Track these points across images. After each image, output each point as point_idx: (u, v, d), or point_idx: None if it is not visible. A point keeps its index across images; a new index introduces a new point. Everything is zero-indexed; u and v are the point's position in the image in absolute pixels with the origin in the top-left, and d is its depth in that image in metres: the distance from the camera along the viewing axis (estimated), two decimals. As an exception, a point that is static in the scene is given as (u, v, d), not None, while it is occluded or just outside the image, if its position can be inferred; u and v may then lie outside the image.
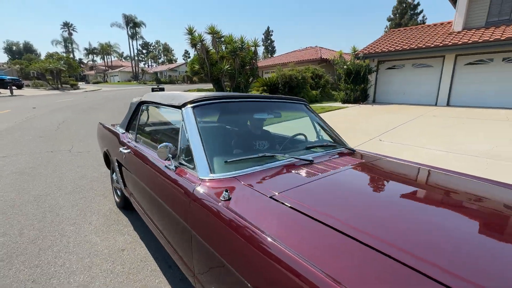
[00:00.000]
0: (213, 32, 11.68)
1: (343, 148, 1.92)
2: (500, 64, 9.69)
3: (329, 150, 1.84)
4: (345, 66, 12.75)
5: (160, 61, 78.56)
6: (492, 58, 9.85)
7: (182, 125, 1.57)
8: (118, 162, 2.47)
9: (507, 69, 9.53)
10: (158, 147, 1.46)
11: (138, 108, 2.40)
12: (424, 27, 13.53)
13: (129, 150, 2.13)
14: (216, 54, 12.41)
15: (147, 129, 2.39)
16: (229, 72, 12.23)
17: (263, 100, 2.01)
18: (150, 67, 72.76)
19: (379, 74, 13.00)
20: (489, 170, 3.74)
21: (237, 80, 12.84)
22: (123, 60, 75.06)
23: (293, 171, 1.39)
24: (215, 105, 1.73)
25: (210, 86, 23.66)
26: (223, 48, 13.13)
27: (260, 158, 1.47)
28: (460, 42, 9.76)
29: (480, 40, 9.33)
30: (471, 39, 9.70)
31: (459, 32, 10.88)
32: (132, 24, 50.69)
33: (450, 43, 10.01)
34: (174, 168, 1.47)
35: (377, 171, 1.59)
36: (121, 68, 58.76)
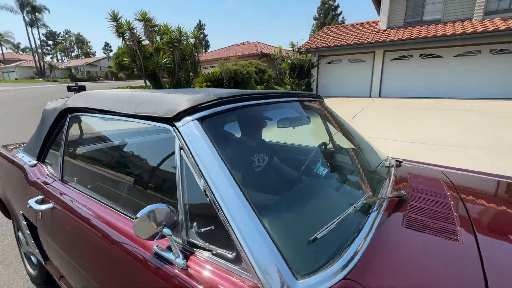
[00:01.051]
0: (144, 19, 10.01)
1: (389, 161, 1.43)
2: (419, 59, 11.16)
3: (381, 166, 1.30)
4: (289, 61, 12.81)
5: (73, 54, 67.02)
6: (412, 54, 11.26)
7: (181, 157, 0.81)
8: (28, 220, 1.42)
9: (425, 64, 11.05)
10: (138, 215, 0.67)
11: (61, 119, 1.41)
12: (354, 25, 14.68)
13: (51, 205, 1.17)
14: (150, 45, 10.73)
15: (87, 157, 1.42)
16: (167, 66, 10.77)
17: (281, 99, 1.34)
18: (60, 61, 61.25)
19: (320, 68, 13.55)
20: (457, 159, 3.93)
21: (177, 75, 11.46)
22: (21, 52, 60.93)
23: (415, 239, 0.79)
24: (234, 112, 0.97)
25: (141, 82, 20.99)
26: (158, 39, 11.50)
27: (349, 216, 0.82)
28: (388, 39, 10.81)
29: (403, 38, 10.51)
30: (396, 36, 10.85)
31: (384, 31, 12.10)
32: (30, 9, 41.19)
33: (380, 40, 11.00)
34: (182, 262, 0.70)
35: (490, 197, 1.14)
36: (18, 63, 47.40)
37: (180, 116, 0.83)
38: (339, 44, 12.02)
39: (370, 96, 12.36)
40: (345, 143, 1.38)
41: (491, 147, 4.37)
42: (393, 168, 1.31)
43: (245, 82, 14.17)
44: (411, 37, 10.34)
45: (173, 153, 0.83)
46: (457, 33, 9.53)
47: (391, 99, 11.13)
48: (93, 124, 1.40)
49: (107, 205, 1.02)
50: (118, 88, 13.12)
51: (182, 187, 0.77)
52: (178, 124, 0.83)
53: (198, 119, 0.82)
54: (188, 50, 11.68)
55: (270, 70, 17.03)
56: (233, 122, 1.05)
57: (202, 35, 59.60)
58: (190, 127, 0.81)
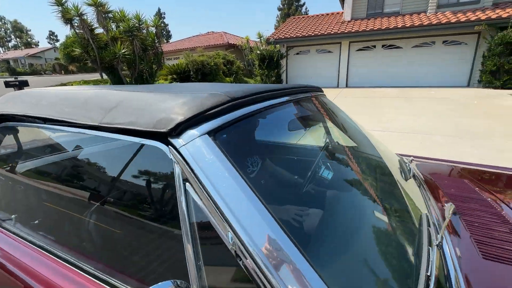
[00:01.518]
0: (96, 3, 8.88)
1: (408, 163, 1.28)
2: (381, 50, 11.66)
3: (407, 172, 1.15)
4: (258, 52, 12.54)
5: (10, 44, 58.72)
6: (375, 45, 11.72)
7: (187, 193, 0.56)
8: None
9: (387, 54, 11.58)
10: None
11: None
12: (319, 16, 14.82)
13: None
14: (105, 34, 9.61)
15: (29, 181, 1.04)
16: (127, 57, 9.79)
17: (295, 95, 1.10)
18: (-6, 52, 53.28)
19: (289, 59, 13.51)
20: (429, 146, 4.09)
21: (138, 67, 10.51)
22: None
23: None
24: (254, 118, 0.72)
25: (96, 76, 19.05)
26: (113, 27, 10.37)
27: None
28: (353, 30, 11.09)
29: (367, 29, 10.85)
30: (360, 27, 11.17)
31: (349, 22, 12.39)
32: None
33: (346, 31, 11.24)
34: None
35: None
36: None
37: (180, 129, 0.56)
38: (307, 34, 12.04)
39: (338, 86, 12.70)
40: (363, 147, 1.18)
41: (455, 133, 4.66)
42: (415, 172, 1.17)
43: (213, 74, 13.62)
44: (374, 28, 10.72)
45: (167, 176, 0.56)
46: (415, 25, 10.09)
47: (358, 89, 11.54)
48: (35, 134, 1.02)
49: (67, 262, 0.70)
50: (70, 84, 11.69)
51: (192, 239, 0.51)
52: (177, 142, 0.56)
53: (209, 133, 0.55)
54: (149, 40, 10.75)
55: (239, 62, 16.60)
56: (249, 133, 0.78)
57: (162, 24, 56.22)
58: (197, 146, 0.55)
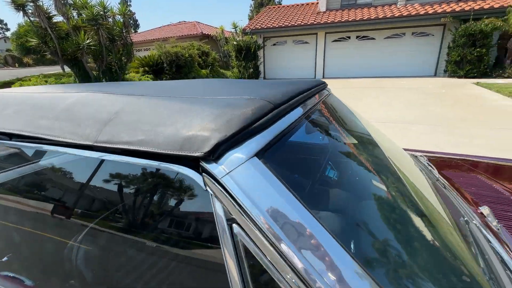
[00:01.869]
0: (52, -12, 7.97)
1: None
2: (356, 41, 11.91)
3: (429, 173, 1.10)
4: (234, 42, 12.20)
5: (-51, 34, 51.74)
6: (349, 36, 11.93)
7: (235, 237, 0.42)
8: None
9: (361, 45, 11.85)
10: None
11: None
12: (295, 6, 14.72)
13: None
14: (66, 22, 8.69)
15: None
16: (92, 49, 8.98)
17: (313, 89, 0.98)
18: None
19: (266, 50, 13.34)
20: (409, 135, 4.24)
21: (106, 59, 9.71)
22: None
23: None
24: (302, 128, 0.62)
25: (56, 68, 17.38)
26: (75, 15, 9.43)
27: None
28: (329, 21, 11.17)
29: (342, 20, 10.98)
30: (335, 18, 11.27)
31: (324, 12, 12.45)
32: None
33: (322, 21, 11.29)
34: None
35: None
36: None
37: (219, 152, 0.43)
38: (283, 25, 11.92)
39: (315, 77, 12.82)
40: (387, 151, 1.08)
41: (431, 122, 4.89)
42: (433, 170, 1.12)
43: (188, 66, 13.07)
44: (349, 20, 10.88)
45: (199, 213, 0.43)
46: (387, 16, 10.39)
47: (335, 79, 11.74)
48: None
49: None
50: (24, 79, 10.52)
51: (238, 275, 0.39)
52: (217, 169, 0.43)
53: (258, 154, 0.43)
54: (117, 29, 9.96)
55: (214, 53, 16.09)
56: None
57: (129, 13, 52.68)
58: (247, 174, 0.42)
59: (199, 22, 21.33)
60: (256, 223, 0.39)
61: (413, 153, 1.40)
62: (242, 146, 0.44)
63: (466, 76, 9.57)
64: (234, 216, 0.41)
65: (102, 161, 0.59)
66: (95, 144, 0.50)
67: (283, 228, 0.38)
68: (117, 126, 0.51)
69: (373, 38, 11.62)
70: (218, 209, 0.43)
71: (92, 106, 0.59)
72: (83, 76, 9.71)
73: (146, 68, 12.17)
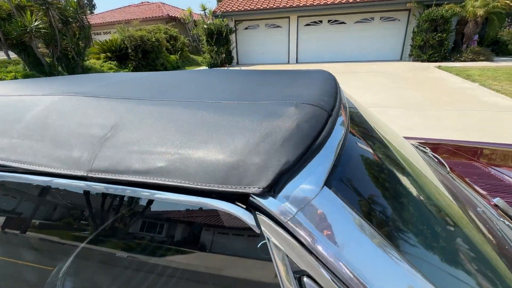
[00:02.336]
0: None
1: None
2: (327, 25, 11.97)
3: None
4: (205, 26, 11.58)
5: None
6: (321, 20, 11.94)
7: None
8: None
9: (333, 30, 11.95)
10: None
11: None
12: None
13: None
14: (7, 1, 7.50)
15: None
16: (42, 32, 7.92)
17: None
18: None
19: (238, 34, 12.90)
20: (387, 119, 4.41)
21: (60, 44, 8.66)
22: None
23: None
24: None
25: (1, 55, 15.17)
26: (17, -8, 8.16)
27: None
28: (301, 4, 11.02)
29: (315, 3, 10.90)
30: (307, 2, 11.16)
31: (296, -5, 12.24)
32: None
33: (294, 5, 11.11)
34: None
35: None
36: None
37: (280, 184, 0.34)
38: (255, 7, 11.54)
39: (288, 63, 12.77)
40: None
41: (402, 105, 5.12)
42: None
43: (156, 51, 12.22)
44: (321, 3, 10.84)
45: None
46: (357, 0, 10.51)
47: (308, 64, 11.81)
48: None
49: None
50: (-39, 65, 9.04)
51: None
52: (278, 209, 0.33)
53: (327, 183, 0.35)
54: (71, 10, 8.88)
55: (183, 37, 15.22)
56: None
57: (81, -9, 47.45)
58: (321, 211, 0.32)
59: (163, 3, 19.87)
60: (338, 277, 0.30)
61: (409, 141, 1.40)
62: (307, 172, 0.34)
63: (428, 60, 10.16)
64: (305, 268, 0.32)
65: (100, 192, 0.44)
66: (89, 175, 0.38)
67: (374, 283, 0.30)
68: (118, 148, 0.38)
69: (344, 23, 11.76)
70: (281, 259, 0.33)
71: (74, 117, 0.44)
72: (34, 64, 8.62)
73: (108, 54, 11.16)
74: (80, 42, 9.75)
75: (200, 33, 12.27)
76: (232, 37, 12.50)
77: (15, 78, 7.28)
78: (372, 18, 11.40)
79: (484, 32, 10.27)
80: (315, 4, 10.88)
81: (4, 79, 7.09)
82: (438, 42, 9.74)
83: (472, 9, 9.22)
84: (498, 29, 10.17)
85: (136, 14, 17.62)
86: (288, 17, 12.02)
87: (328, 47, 12.23)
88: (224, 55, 12.13)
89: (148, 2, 22.00)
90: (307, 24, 12.12)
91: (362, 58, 11.92)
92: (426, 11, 9.74)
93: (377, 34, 11.57)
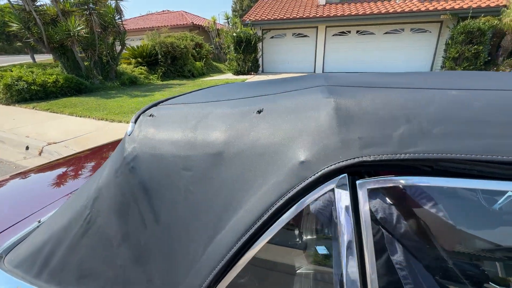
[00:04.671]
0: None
1: None
2: (356, 36, 11.95)
3: None
4: (234, 34, 11.69)
5: None
6: (350, 30, 11.94)
7: None
8: None
9: (361, 40, 11.92)
10: None
11: None
12: (292, -2, 14.43)
13: None
14: (54, 5, 7.69)
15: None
16: (83, 36, 8.07)
17: None
18: None
19: (264, 43, 12.98)
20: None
21: (98, 49, 8.81)
22: None
23: None
24: None
25: (25, 58, 15.60)
26: (61, -3, 8.39)
27: None
28: (332, 15, 11.06)
29: (345, 14, 10.92)
30: (337, 12, 11.19)
31: (324, 6, 12.32)
32: None
33: (325, 15, 11.15)
34: None
35: None
36: None
37: None
38: (284, 17, 11.62)
39: (314, 71, 12.73)
40: None
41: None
42: None
43: (184, 58, 12.36)
44: (352, 14, 10.85)
45: None
46: (389, 12, 10.49)
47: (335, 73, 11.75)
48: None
49: None
50: (2, 68, 9.25)
51: None
52: None
53: None
54: (109, 16, 9.07)
55: (207, 44, 15.43)
56: None
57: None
58: None
59: (186, 12, 20.29)
60: None
61: None
62: None
63: (462, 72, 9.97)
64: None
65: None
66: None
67: None
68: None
69: (373, 33, 11.73)
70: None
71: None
72: (72, 67, 8.76)
73: (139, 60, 11.32)
74: (113, 47, 9.94)
75: (228, 41, 12.37)
76: (259, 45, 12.58)
77: (57, 80, 7.38)
78: (403, 29, 11.35)
79: (520, 45, 10.07)
80: (345, 14, 10.90)
81: (47, 80, 7.18)
82: (473, 54, 9.57)
83: (510, 22, 9.07)
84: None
85: (160, 22, 17.99)
86: (316, 27, 12.06)
87: (356, 58, 12.18)
88: (250, 63, 12.18)
89: (169, 10, 22.55)
90: (335, 34, 12.13)
91: (390, 69, 11.81)
92: (462, 23, 9.62)
93: (407, 46, 11.49)
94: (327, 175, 0.39)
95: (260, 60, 12.90)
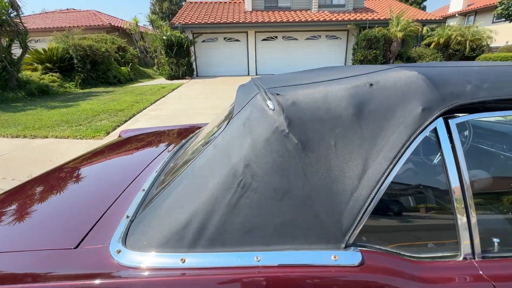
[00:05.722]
0: None
1: None
2: (282, 40, 13.06)
3: None
4: (164, 37, 11.15)
5: None
6: (276, 35, 12.97)
7: None
8: None
9: (287, 45, 13.10)
10: None
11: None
12: (219, 3, 14.65)
13: None
14: None
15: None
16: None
17: None
18: None
19: (197, 47, 12.80)
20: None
21: (-10, 52, 7.02)
22: None
23: None
24: None
25: None
26: None
27: None
28: (260, 21, 11.80)
29: (271, 21, 11.83)
30: (264, 19, 12.02)
31: (251, 12, 13.01)
32: None
33: (253, 21, 11.81)
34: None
35: None
36: None
37: None
38: (215, 21, 11.76)
39: (248, 74, 13.30)
40: None
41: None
42: None
43: (106, 62, 11.07)
44: (277, 20, 11.83)
45: None
46: (307, 20, 11.90)
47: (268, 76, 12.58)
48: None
49: None
50: None
51: None
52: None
53: None
54: (3, 11, 7.40)
55: (132, 48, 14.19)
56: None
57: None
58: None
59: (99, 12, 18.05)
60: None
61: None
62: None
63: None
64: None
65: None
66: None
67: None
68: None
69: (296, 39, 13.06)
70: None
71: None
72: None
73: (48, 65, 9.56)
74: (9, 50, 8.11)
75: (155, 45, 11.71)
76: (191, 49, 12.35)
77: None
78: (319, 36, 13.03)
79: (401, 50, 12.96)
80: (271, 21, 11.80)
81: None
82: (373, 57, 11.81)
83: (394, 32, 11.59)
84: (413, 47, 13.00)
85: (68, 22, 15.53)
86: (246, 32, 12.64)
87: (284, 60, 13.30)
88: (184, 67, 11.84)
89: (74, 9, 19.63)
90: (264, 39, 12.97)
91: (313, 70, 13.35)
92: (363, 31, 11.73)
93: (324, 50, 13.25)
94: (438, 116, 0.60)
95: (194, 64, 12.66)
